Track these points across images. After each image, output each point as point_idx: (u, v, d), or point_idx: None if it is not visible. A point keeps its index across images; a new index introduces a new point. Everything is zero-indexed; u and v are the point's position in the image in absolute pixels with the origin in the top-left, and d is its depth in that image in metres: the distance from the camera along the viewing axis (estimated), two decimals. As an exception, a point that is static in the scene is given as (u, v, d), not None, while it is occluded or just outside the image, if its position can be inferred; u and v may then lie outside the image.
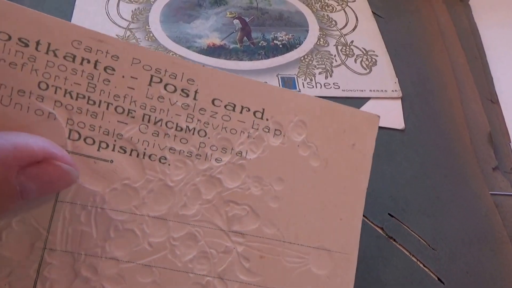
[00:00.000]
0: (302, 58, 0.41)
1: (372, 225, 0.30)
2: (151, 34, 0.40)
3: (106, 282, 0.21)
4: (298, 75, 0.39)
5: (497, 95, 0.42)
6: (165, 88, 0.22)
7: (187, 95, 0.22)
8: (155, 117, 0.22)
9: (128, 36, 0.39)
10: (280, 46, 0.41)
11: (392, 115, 0.38)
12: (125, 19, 0.41)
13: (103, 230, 0.22)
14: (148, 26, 0.41)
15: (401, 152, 0.35)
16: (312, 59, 0.41)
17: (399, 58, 0.42)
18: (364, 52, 0.42)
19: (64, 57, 0.21)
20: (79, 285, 0.21)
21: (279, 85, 0.38)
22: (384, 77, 0.40)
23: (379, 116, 0.24)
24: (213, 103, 0.23)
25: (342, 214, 0.24)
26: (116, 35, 0.39)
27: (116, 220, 0.22)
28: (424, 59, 0.43)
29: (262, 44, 0.41)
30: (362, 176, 0.24)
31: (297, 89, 0.38)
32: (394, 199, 0.32)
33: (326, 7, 0.47)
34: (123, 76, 0.22)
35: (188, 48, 0.39)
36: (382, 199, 0.32)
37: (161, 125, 0.22)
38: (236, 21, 0.43)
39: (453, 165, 0.35)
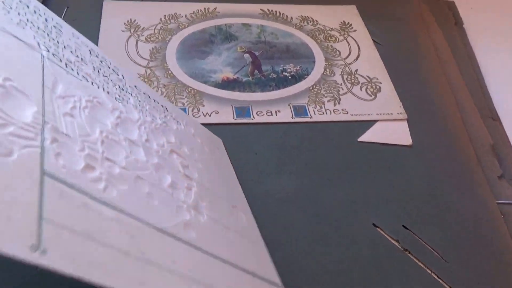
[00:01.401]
0: (311, 88, 0.43)
1: (388, 237, 0.33)
2: (170, 71, 0.43)
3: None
4: (308, 103, 0.42)
5: (497, 113, 0.44)
6: (101, 62, 0.27)
7: (118, 74, 0.28)
8: (103, 72, 0.27)
9: (149, 74, 0.42)
10: (289, 77, 0.44)
11: (399, 133, 0.40)
12: (144, 58, 0.44)
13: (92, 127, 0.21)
14: (166, 63, 0.44)
15: (411, 166, 0.38)
16: (320, 88, 0.43)
17: (401, 83, 0.45)
18: (369, 80, 0.45)
19: None
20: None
21: (292, 114, 0.40)
22: (389, 102, 0.43)
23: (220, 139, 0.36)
24: (135, 87, 0.29)
25: (218, 182, 0.31)
26: (138, 74, 0.42)
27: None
28: (424, 83, 0.46)
29: (272, 76, 0.44)
30: (229, 166, 0.34)
31: (309, 116, 0.40)
32: (407, 211, 0.34)
33: (329, 38, 0.50)
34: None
35: (205, 82, 0.42)
36: (396, 211, 0.34)
37: (108, 78, 0.26)
38: (246, 55, 0.46)
39: (460, 175, 0.38)
